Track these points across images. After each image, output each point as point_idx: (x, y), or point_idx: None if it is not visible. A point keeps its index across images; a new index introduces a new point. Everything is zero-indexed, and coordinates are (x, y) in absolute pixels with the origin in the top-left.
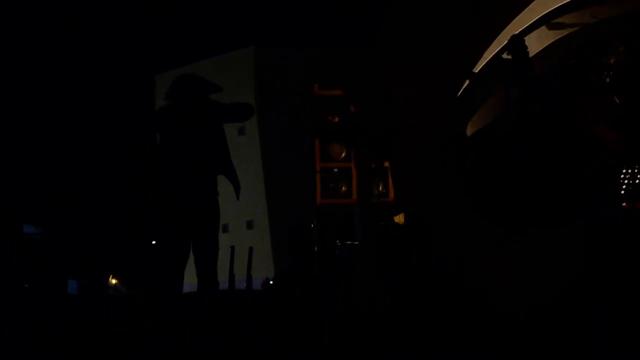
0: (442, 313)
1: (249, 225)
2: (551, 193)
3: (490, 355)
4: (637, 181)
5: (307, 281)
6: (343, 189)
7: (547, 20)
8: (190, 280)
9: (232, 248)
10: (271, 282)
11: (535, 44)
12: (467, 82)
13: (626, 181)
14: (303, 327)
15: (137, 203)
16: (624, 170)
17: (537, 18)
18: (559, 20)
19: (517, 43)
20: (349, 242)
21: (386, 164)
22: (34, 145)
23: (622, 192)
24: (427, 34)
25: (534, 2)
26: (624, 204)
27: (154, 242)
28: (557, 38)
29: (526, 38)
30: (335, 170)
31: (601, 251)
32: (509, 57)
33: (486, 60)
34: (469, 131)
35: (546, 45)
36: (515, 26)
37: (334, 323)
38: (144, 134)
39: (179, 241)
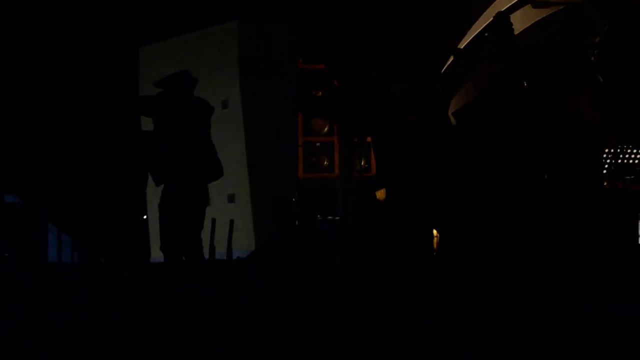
0: (441, 310)
1: (231, 198)
2: (549, 188)
3: (490, 352)
4: (619, 161)
5: (306, 277)
6: (325, 163)
7: None
8: None
9: (213, 221)
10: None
11: (520, 22)
12: (451, 59)
13: (608, 161)
14: (302, 325)
15: (132, 198)
16: (607, 150)
17: None
18: None
19: (502, 21)
20: (330, 217)
21: (369, 138)
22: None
23: (605, 172)
24: (421, 22)
25: None
26: (605, 184)
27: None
28: (542, 16)
29: (511, 16)
30: (318, 144)
31: (600, 248)
32: (490, 35)
33: (471, 37)
34: (453, 108)
35: (531, 23)
36: (501, 4)
37: (332, 320)
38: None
39: (179, 241)
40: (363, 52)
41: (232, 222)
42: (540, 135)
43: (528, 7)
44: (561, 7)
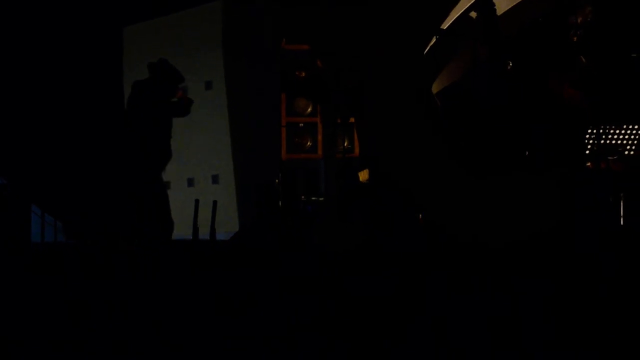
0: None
1: (215, 179)
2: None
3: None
4: (602, 141)
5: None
6: (308, 144)
7: None
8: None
9: (197, 202)
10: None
11: (504, 2)
12: (434, 39)
13: (591, 141)
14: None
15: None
16: (589, 131)
17: None
18: None
19: (484, 1)
20: (313, 198)
21: (352, 119)
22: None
23: (587, 152)
24: (405, 2)
25: None
26: (588, 164)
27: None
28: None
29: None
30: (301, 125)
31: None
32: (476, 15)
33: (454, 18)
34: (436, 88)
35: (514, 4)
36: None
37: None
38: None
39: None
40: (346, 32)
41: (215, 203)
42: (527, 117)
43: None
44: None
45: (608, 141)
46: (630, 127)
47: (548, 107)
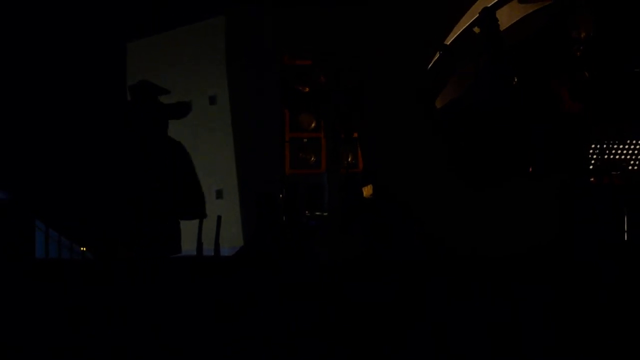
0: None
1: (219, 194)
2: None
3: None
4: (605, 157)
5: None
6: (312, 159)
7: None
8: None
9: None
10: None
11: (507, 17)
12: (437, 54)
13: (594, 157)
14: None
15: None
16: (593, 146)
17: None
18: None
19: (488, 16)
20: (317, 213)
21: (355, 134)
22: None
23: (591, 167)
24: (409, 18)
25: None
26: (592, 179)
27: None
28: (528, 12)
29: (498, 11)
30: (305, 140)
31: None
32: (479, 30)
33: (457, 34)
34: (439, 104)
35: (517, 19)
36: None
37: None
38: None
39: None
40: (346, 33)
41: (219, 218)
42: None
43: (514, 2)
44: (547, 3)
45: (611, 156)
46: (634, 142)
47: (549, 108)
